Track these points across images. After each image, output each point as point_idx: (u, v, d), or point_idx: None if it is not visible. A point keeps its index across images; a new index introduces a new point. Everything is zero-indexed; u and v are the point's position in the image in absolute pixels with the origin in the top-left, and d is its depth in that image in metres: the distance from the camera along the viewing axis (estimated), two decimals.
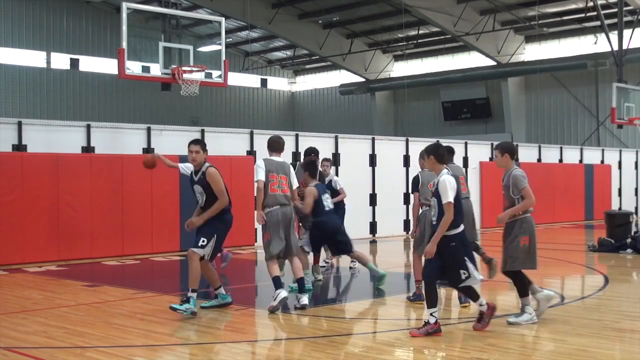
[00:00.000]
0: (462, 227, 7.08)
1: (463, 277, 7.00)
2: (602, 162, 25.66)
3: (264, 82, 44.99)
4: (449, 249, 6.99)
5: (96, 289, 10.48)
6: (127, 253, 13.83)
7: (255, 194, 8.65)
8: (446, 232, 6.97)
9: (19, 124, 13.51)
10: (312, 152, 11.66)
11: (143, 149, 14.75)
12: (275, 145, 8.91)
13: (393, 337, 7.26)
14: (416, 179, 8.97)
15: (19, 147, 13.30)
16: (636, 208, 26.05)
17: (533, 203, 7.57)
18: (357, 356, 6.31)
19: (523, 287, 7.65)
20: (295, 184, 8.98)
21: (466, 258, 7.01)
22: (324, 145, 17.81)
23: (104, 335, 7.33)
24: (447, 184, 7.01)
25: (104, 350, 6.58)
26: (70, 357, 6.40)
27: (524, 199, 7.54)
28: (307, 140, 17.30)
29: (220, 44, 15.61)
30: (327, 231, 10.15)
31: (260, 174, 8.50)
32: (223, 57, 15.23)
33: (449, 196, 6.95)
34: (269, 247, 8.59)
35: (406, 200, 19.09)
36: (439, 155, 7.28)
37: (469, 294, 7.31)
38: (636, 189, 26.64)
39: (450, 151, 9.70)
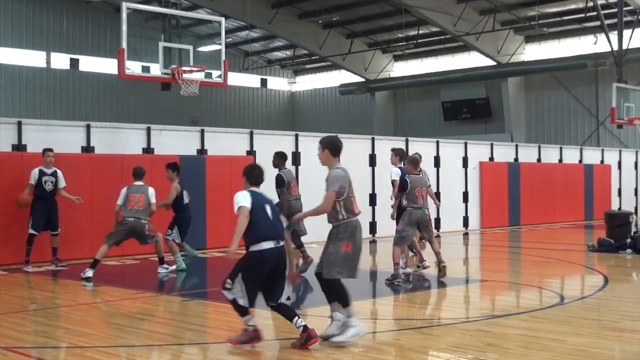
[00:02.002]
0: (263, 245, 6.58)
1: (227, 285, 6.43)
2: (602, 162, 25.66)
3: (263, 82, 44.98)
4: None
5: (96, 289, 10.49)
6: (127, 253, 13.81)
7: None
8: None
9: (19, 124, 13.51)
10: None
11: (143, 148, 14.74)
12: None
13: (393, 337, 7.26)
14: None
15: (19, 147, 13.30)
16: (636, 208, 26.05)
17: (326, 211, 6.80)
18: (357, 356, 6.31)
19: (344, 297, 6.79)
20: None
21: (242, 273, 6.45)
22: None
23: (104, 335, 7.34)
24: (236, 196, 6.67)
25: (104, 350, 6.58)
26: (70, 357, 6.40)
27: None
28: (307, 140, 17.27)
29: (220, 44, 15.61)
30: None
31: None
32: (223, 57, 15.23)
33: (239, 202, 6.60)
34: None
35: None
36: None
37: (237, 308, 6.52)
38: (636, 189, 26.65)
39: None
